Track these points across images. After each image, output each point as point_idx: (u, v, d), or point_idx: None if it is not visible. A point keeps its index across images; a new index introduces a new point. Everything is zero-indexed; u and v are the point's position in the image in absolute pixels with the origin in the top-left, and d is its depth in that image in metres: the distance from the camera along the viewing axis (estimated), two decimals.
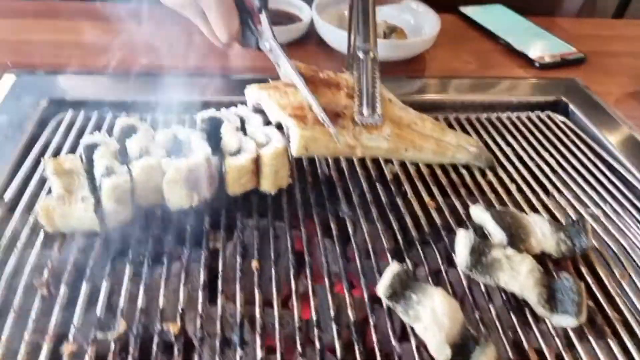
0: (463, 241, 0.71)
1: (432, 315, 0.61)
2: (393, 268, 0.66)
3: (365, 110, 0.78)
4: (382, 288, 0.65)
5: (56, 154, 0.83)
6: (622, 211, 0.84)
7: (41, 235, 0.69)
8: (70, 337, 0.59)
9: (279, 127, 0.78)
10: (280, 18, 1.22)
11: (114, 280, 0.65)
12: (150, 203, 0.75)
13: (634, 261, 0.77)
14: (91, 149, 0.75)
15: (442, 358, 0.59)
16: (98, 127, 0.89)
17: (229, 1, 0.85)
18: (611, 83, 1.18)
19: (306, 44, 1.19)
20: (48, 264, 0.65)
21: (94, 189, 0.72)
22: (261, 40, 0.88)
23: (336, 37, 1.13)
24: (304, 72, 0.80)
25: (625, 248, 0.79)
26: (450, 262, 0.73)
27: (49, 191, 0.73)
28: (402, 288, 0.64)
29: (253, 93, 0.83)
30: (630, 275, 0.75)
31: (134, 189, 0.72)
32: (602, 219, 0.83)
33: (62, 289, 0.63)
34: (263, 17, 0.86)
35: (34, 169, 0.80)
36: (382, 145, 0.79)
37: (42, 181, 0.77)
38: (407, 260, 0.72)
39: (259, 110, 0.87)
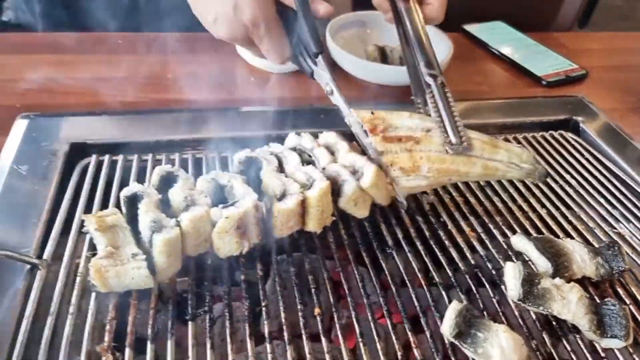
0: (513, 273, 0.73)
1: (501, 353, 0.63)
2: (455, 307, 0.67)
3: (453, 139, 0.79)
4: (447, 328, 0.66)
5: (88, 204, 0.80)
6: None
7: (92, 296, 0.67)
8: None
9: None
10: None
11: (177, 338, 0.64)
12: (198, 252, 0.74)
13: None
14: (132, 201, 0.74)
15: None
16: (127, 172, 0.87)
17: (280, 34, 0.88)
18: (613, 99, 1.23)
19: None
20: (107, 327, 0.63)
21: (138, 242, 0.70)
22: (317, 76, 0.90)
23: (351, 63, 1.14)
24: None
25: None
26: (499, 293, 0.75)
27: (92, 248, 0.71)
28: (467, 326, 0.66)
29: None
30: None
31: (184, 241, 0.71)
32: (628, 237, 0.87)
33: (127, 353, 0.61)
34: (320, 60, 0.87)
35: (68, 222, 0.77)
36: (422, 184, 0.80)
37: (81, 236, 0.74)
38: (461, 295, 0.73)
39: (294, 149, 0.87)
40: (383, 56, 1.18)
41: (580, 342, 0.71)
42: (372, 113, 0.81)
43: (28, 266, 0.69)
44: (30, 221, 0.76)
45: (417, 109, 0.89)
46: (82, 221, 0.72)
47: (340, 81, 1.17)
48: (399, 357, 0.66)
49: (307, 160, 0.86)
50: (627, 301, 0.77)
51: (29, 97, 1.02)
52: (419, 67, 0.86)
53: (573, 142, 1.07)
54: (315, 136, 0.88)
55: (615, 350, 0.70)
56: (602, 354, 0.70)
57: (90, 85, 1.06)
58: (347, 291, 0.73)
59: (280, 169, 0.83)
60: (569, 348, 0.70)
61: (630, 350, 0.70)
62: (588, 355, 0.69)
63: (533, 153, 0.92)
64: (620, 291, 0.79)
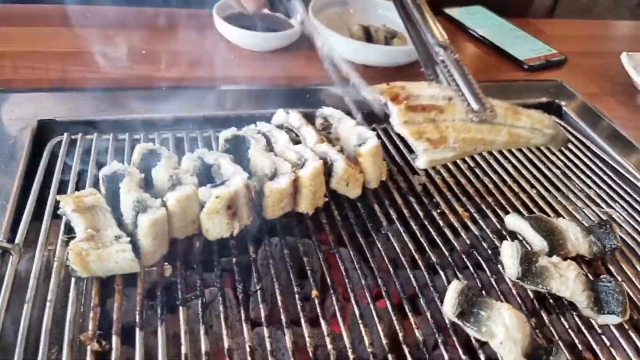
0: (510, 251, 0.72)
1: (505, 331, 0.62)
2: (456, 286, 0.66)
3: (475, 106, 0.76)
4: (449, 308, 0.64)
5: (62, 185, 0.74)
6: (630, 209, 0.90)
7: (72, 282, 0.61)
8: None
9: None
10: (274, 24, 1.17)
11: (168, 325, 0.60)
12: (185, 234, 0.69)
13: None
14: (113, 180, 0.69)
15: None
16: (102, 152, 0.81)
17: None
18: (591, 83, 1.25)
19: (301, 49, 1.16)
20: (90, 314, 0.58)
21: (120, 224, 0.65)
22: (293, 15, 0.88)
23: (335, 42, 1.11)
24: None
25: None
26: (496, 272, 0.74)
27: (69, 231, 0.66)
28: (469, 305, 0.64)
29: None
30: None
31: (170, 222, 0.66)
32: (615, 217, 0.88)
33: (115, 341, 0.57)
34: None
35: (40, 204, 0.71)
36: (448, 155, 0.77)
37: (56, 219, 0.68)
38: (458, 274, 0.72)
39: (281, 126, 0.84)
40: (368, 36, 1.16)
41: (577, 319, 0.71)
42: (388, 84, 0.78)
43: None
44: None
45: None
46: (57, 203, 0.67)
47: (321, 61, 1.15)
48: (400, 337, 0.64)
49: (294, 139, 0.82)
50: (619, 278, 0.78)
51: None
52: (426, 39, 0.84)
53: None
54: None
55: (611, 327, 0.70)
56: (599, 330, 0.70)
57: (57, 60, 0.99)
58: (343, 273, 0.70)
59: (269, 148, 0.80)
60: (566, 325, 0.70)
61: (626, 326, 0.71)
62: (585, 332, 0.69)
63: (551, 118, 0.89)
64: (612, 268, 0.79)
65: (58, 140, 0.82)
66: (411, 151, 0.82)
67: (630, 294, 0.76)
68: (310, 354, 0.60)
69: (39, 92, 0.89)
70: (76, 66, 0.98)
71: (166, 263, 0.67)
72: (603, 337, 0.69)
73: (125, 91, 0.94)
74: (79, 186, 0.75)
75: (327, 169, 0.76)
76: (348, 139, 0.81)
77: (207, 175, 0.74)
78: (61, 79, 0.95)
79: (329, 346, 0.61)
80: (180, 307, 0.61)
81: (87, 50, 1.03)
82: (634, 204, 0.91)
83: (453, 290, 0.65)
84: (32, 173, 0.75)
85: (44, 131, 0.84)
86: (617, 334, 0.70)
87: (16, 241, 0.65)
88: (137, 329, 0.58)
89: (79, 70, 0.97)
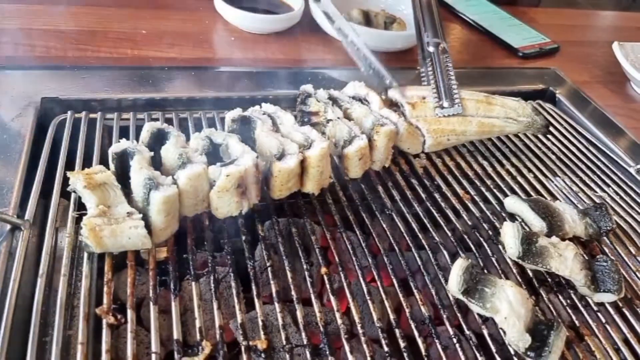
0: (512, 232, 0.74)
1: (509, 307, 0.64)
2: (461, 263, 0.68)
3: (445, 103, 0.79)
4: (454, 285, 0.66)
5: (69, 163, 0.74)
6: (622, 193, 0.93)
7: (85, 257, 0.62)
8: None
9: None
10: (273, 7, 1.17)
11: (181, 300, 0.61)
12: (195, 212, 0.70)
13: None
14: (122, 158, 0.69)
15: (522, 345, 0.63)
16: (107, 130, 0.81)
17: None
18: (584, 71, 1.28)
19: (301, 33, 1.16)
20: (104, 288, 0.59)
21: (129, 202, 0.66)
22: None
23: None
24: None
25: (633, 227, 0.87)
26: (497, 252, 0.76)
27: (79, 207, 0.66)
28: (474, 283, 0.66)
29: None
30: None
31: (181, 200, 0.67)
32: (608, 200, 0.91)
33: (130, 315, 0.57)
34: None
35: (48, 181, 0.71)
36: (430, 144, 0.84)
37: (66, 196, 0.68)
38: (460, 254, 0.74)
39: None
40: (367, 20, 1.16)
41: (574, 297, 0.73)
42: None
43: (8, 227, 0.63)
44: (5, 180, 0.69)
45: (421, 82, 0.90)
46: (65, 180, 0.66)
47: (322, 45, 1.15)
48: (407, 313, 0.66)
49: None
50: (614, 259, 0.81)
51: None
52: (423, 35, 0.87)
53: (550, 111, 1.11)
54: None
55: (607, 304, 0.73)
56: (595, 308, 0.73)
57: (58, 38, 0.98)
58: (350, 252, 0.72)
59: (275, 129, 0.80)
60: (564, 303, 0.72)
61: (620, 304, 0.74)
62: (582, 309, 0.72)
63: (530, 105, 0.94)
64: (607, 250, 0.82)
65: (62, 119, 0.81)
66: None
67: (624, 273, 0.79)
68: (322, 329, 0.61)
69: (40, 70, 0.88)
70: (77, 44, 0.97)
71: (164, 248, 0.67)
72: (599, 314, 0.72)
73: (127, 70, 0.93)
74: (84, 164, 0.75)
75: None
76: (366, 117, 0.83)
77: (214, 155, 0.75)
78: (62, 57, 0.94)
79: (339, 321, 0.62)
80: (193, 283, 0.62)
81: (88, 28, 1.02)
82: (625, 187, 0.94)
83: (458, 267, 0.67)
84: (38, 151, 0.75)
85: (47, 109, 0.83)
86: (612, 312, 0.73)
87: (26, 217, 0.65)
88: (151, 303, 0.59)
89: (80, 48, 0.96)
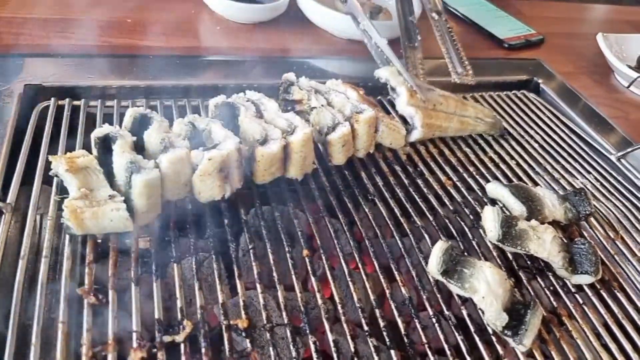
0: (492, 216, 0.75)
1: (487, 287, 0.65)
2: (441, 245, 0.69)
3: (459, 69, 0.84)
4: (434, 266, 0.67)
5: (51, 148, 0.74)
6: (603, 180, 0.94)
7: (66, 238, 0.62)
8: (134, 343, 0.54)
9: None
10: None
11: (163, 281, 0.61)
12: (178, 197, 0.70)
13: (621, 223, 0.87)
14: (104, 142, 0.69)
15: (500, 323, 0.64)
16: (90, 117, 0.81)
17: None
18: (568, 62, 1.29)
19: (286, 23, 1.16)
20: (86, 270, 0.59)
21: (112, 185, 0.66)
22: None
23: (321, 15, 1.12)
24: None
25: (612, 212, 0.88)
26: (478, 237, 0.77)
27: (61, 191, 0.66)
28: (453, 264, 0.67)
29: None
30: (622, 237, 0.85)
31: (163, 184, 0.67)
32: (589, 187, 0.93)
33: (111, 295, 0.58)
34: None
35: (30, 166, 0.71)
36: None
37: (47, 180, 0.69)
38: (442, 238, 0.75)
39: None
40: None
41: (553, 279, 0.75)
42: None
43: None
44: None
45: (406, 65, 0.92)
46: (47, 166, 0.67)
47: (307, 35, 1.16)
48: (387, 294, 0.66)
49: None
50: (592, 242, 0.82)
51: None
52: (426, 7, 0.91)
53: (534, 101, 1.12)
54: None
55: (584, 286, 0.74)
56: (573, 290, 0.74)
57: (41, 26, 0.97)
58: (332, 235, 0.72)
59: (258, 115, 0.81)
60: (542, 284, 0.73)
61: (597, 286, 0.75)
62: (560, 290, 0.73)
63: (491, 109, 1.03)
64: (586, 233, 0.83)
65: (45, 105, 0.82)
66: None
67: (602, 256, 0.80)
68: (302, 309, 0.62)
69: (23, 57, 0.88)
70: (61, 32, 0.97)
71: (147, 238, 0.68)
72: (577, 295, 0.74)
73: (111, 58, 0.94)
74: (67, 152, 0.75)
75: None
76: (344, 106, 0.83)
77: (198, 141, 0.75)
78: (45, 45, 0.94)
79: (319, 301, 0.63)
80: (175, 265, 0.63)
81: (71, 17, 1.02)
82: (606, 175, 0.96)
83: (438, 249, 0.68)
84: (20, 137, 0.75)
85: (30, 96, 0.83)
86: (590, 293, 0.74)
87: (8, 201, 0.65)
88: (133, 285, 0.59)
89: (64, 36, 0.96)
